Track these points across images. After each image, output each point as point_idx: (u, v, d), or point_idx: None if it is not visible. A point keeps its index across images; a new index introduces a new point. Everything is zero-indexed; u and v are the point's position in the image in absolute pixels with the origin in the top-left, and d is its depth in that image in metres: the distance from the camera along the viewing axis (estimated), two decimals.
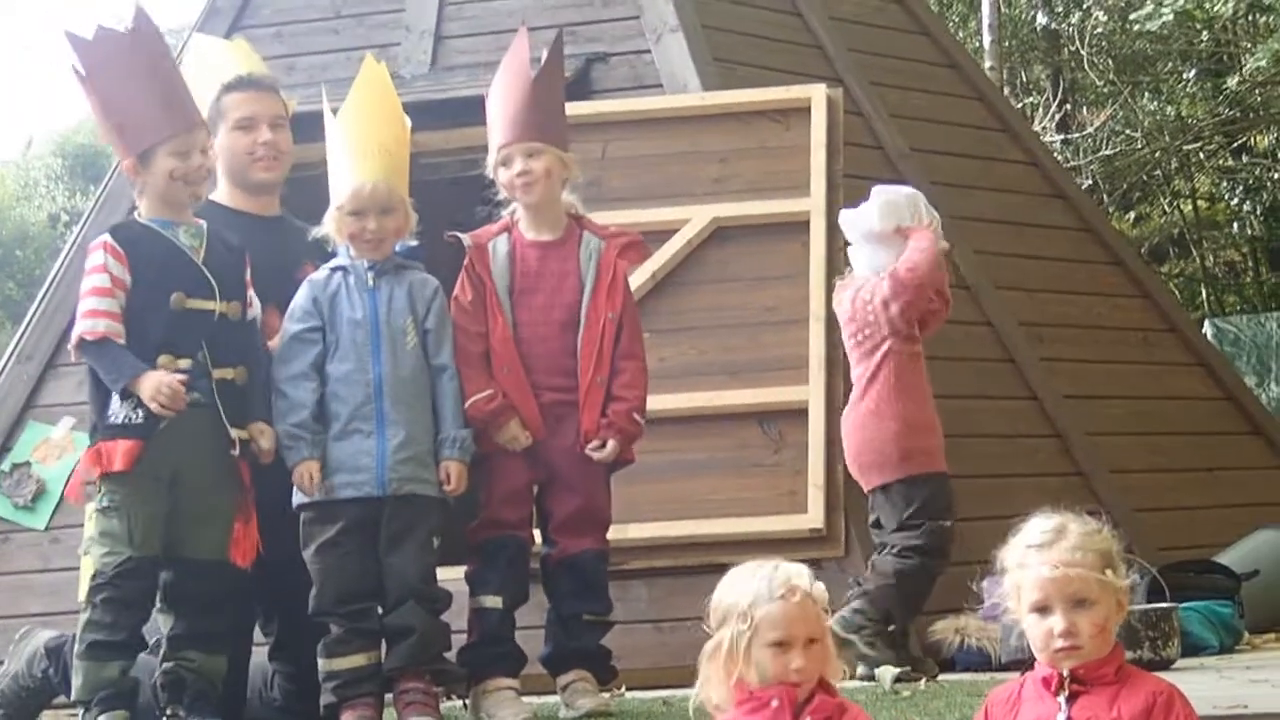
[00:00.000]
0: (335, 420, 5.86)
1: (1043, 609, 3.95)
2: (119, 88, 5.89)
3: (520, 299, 6.11)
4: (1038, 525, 4.00)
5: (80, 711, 5.69)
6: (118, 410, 5.65)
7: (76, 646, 5.71)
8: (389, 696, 5.92)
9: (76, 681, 5.69)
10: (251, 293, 5.94)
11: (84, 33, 5.92)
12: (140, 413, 5.61)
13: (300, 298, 5.97)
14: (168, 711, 5.62)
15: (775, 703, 4.09)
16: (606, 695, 6.13)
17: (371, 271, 5.97)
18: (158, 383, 5.56)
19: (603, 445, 6.07)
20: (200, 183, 5.88)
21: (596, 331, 6.14)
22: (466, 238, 6.17)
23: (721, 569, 7.39)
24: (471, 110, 6.95)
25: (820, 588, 4.17)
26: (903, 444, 7.07)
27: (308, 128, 6.55)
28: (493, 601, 6.05)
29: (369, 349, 5.91)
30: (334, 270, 6.01)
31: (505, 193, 6.22)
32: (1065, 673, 3.93)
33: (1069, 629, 3.91)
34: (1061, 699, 3.95)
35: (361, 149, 6.00)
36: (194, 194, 5.87)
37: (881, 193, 7.24)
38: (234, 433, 5.74)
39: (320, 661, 5.88)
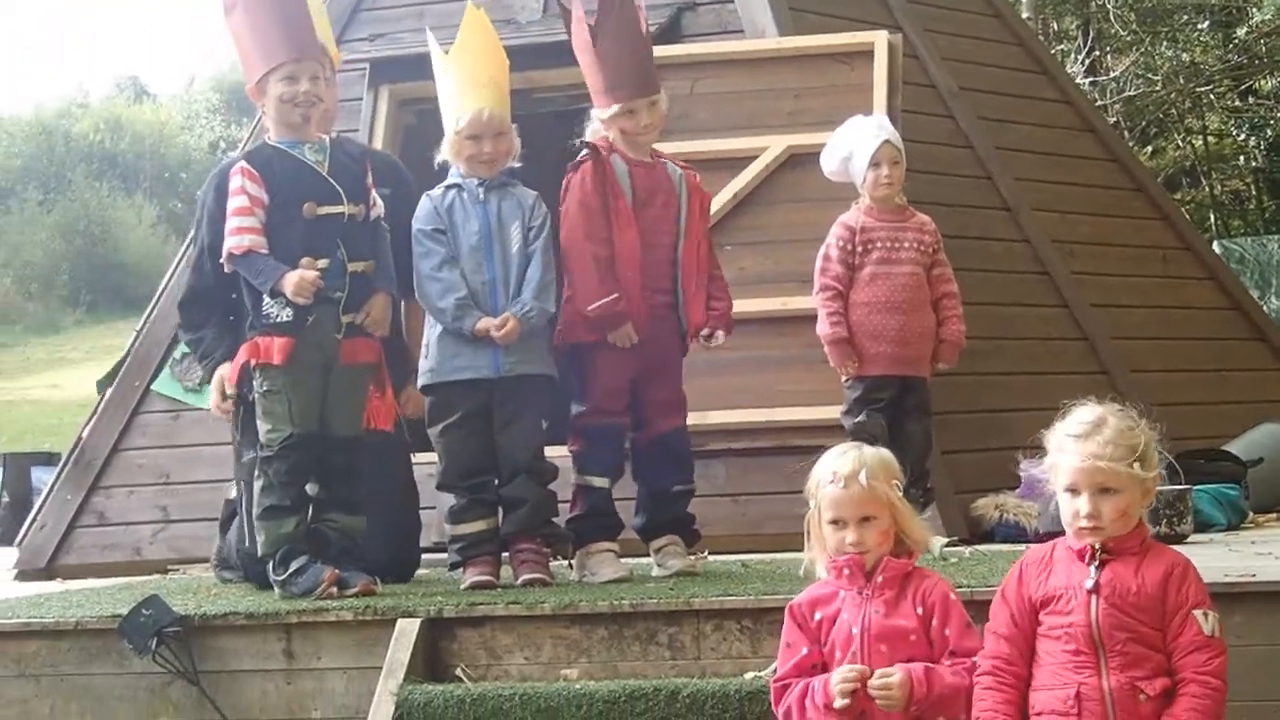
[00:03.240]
0: None
1: (1073, 490, 3.92)
2: (244, 21, 5.87)
3: (637, 212, 6.04)
4: (1080, 416, 3.95)
5: (270, 564, 5.75)
6: (270, 309, 5.68)
7: (255, 510, 5.77)
8: (505, 555, 5.98)
9: (260, 539, 5.78)
10: (374, 194, 5.93)
11: None
12: (289, 311, 5.64)
13: (424, 207, 5.99)
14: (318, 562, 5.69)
15: (847, 571, 4.11)
16: (692, 557, 6.12)
17: (482, 187, 5.96)
18: (298, 280, 5.61)
19: (711, 335, 6.10)
20: (310, 106, 5.82)
21: (694, 244, 6.13)
22: (597, 146, 6.05)
23: (790, 451, 7.50)
24: None
25: (882, 466, 4.15)
26: None
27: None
28: (601, 481, 6.05)
29: (483, 253, 5.91)
30: (448, 188, 6.00)
31: (621, 137, 6.06)
32: (1096, 545, 3.90)
33: (1092, 512, 3.88)
34: (1092, 567, 3.92)
35: (475, 82, 5.97)
36: (304, 115, 5.82)
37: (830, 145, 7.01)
38: (344, 318, 5.76)
39: (447, 526, 5.97)
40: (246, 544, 6.33)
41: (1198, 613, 3.88)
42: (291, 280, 5.61)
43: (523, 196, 6.00)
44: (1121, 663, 3.86)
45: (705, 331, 6.09)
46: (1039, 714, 3.91)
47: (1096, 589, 3.88)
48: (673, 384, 6.15)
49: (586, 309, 5.90)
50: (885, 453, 4.26)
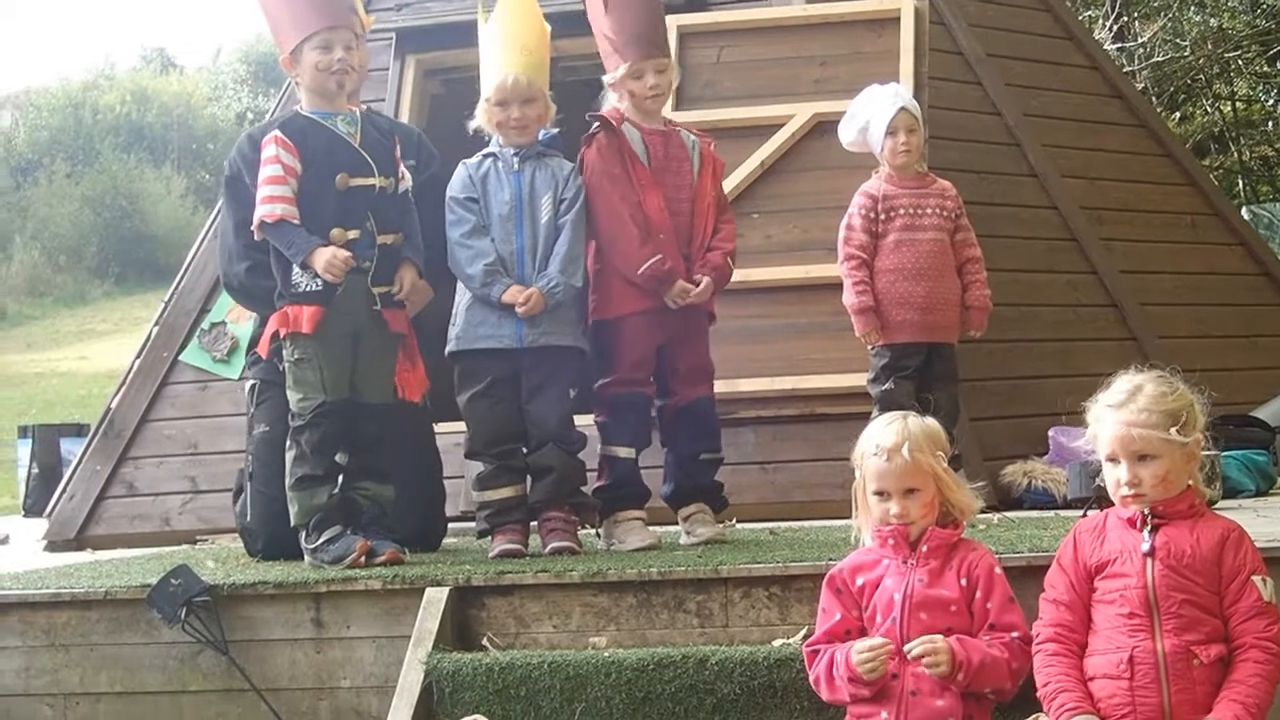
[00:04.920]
0: None
1: (1113, 459, 3.92)
2: None
3: (656, 178, 6.03)
4: (1117, 385, 3.95)
5: (302, 533, 5.75)
6: (300, 280, 5.68)
7: (287, 480, 5.77)
8: (534, 524, 5.97)
9: (293, 510, 5.77)
10: (403, 167, 5.92)
11: None
12: (319, 282, 5.64)
13: (458, 175, 5.98)
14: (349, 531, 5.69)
15: (891, 541, 4.13)
16: (721, 526, 6.11)
17: (517, 157, 5.94)
18: (329, 257, 5.60)
19: (699, 284, 5.98)
20: (344, 74, 5.80)
21: (704, 206, 6.10)
22: (609, 118, 6.07)
23: (819, 419, 7.47)
24: None
25: (927, 438, 4.16)
26: None
27: (468, 36, 6.48)
28: (625, 452, 6.04)
29: (513, 223, 5.89)
30: (485, 156, 6.00)
31: (629, 101, 6.07)
32: (1146, 511, 3.90)
33: (1132, 480, 3.88)
34: (1145, 532, 3.91)
35: (505, 48, 5.96)
36: (339, 83, 5.80)
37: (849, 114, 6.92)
38: (376, 290, 5.76)
39: (474, 493, 5.96)
40: (249, 519, 6.35)
41: (1256, 578, 3.88)
42: (323, 258, 5.61)
43: (558, 168, 5.97)
44: (1176, 626, 3.85)
45: (696, 278, 5.98)
46: (1091, 678, 3.92)
47: (1152, 552, 3.88)
48: (699, 351, 6.13)
49: (637, 273, 5.89)
50: (931, 423, 4.26)
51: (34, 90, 43.62)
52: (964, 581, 4.12)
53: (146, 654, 5.45)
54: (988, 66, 9.21)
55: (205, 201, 33.87)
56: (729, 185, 7.89)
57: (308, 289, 5.68)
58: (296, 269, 5.68)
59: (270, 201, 5.69)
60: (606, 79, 6.14)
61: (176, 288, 8.98)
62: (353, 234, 5.69)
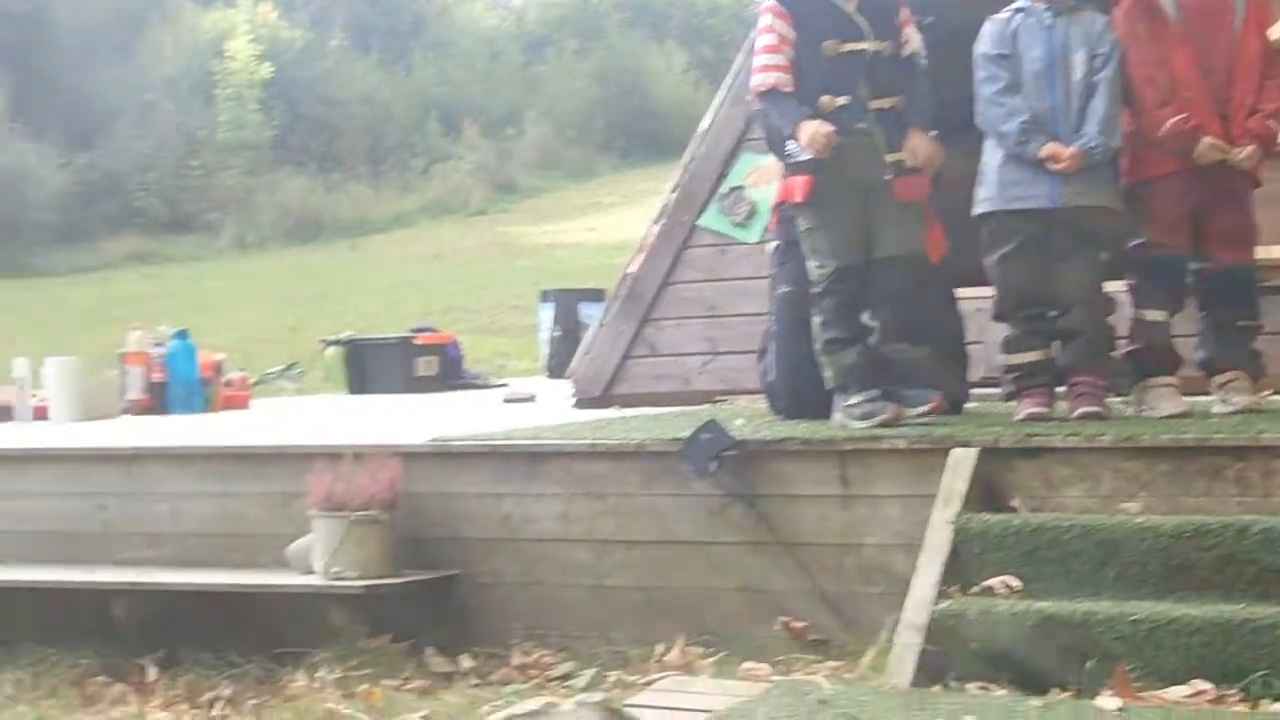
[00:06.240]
0: None
1: None
2: None
3: (1189, 33, 5.82)
4: None
5: (838, 395, 5.88)
6: (792, 148, 5.79)
7: (816, 345, 5.90)
8: (1060, 390, 5.91)
9: (826, 374, 5.91)
10: (909, 29, 5.89)
11: None
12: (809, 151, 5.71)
13: (987, 31, 5.92)
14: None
15: None
16: (1257, 395, 5.90)
17: (1049, 12, 5.82)
18: (812, 131, 5.66)
19: (1240, 149, 5.77)
20: None
21: (1246, 61, 5.85)
22: None
23: None
24: None
25: None
26: None
27: None
28: (1156, 315, 5.90)
29: (1046, 80, 5.81)
30: (1015, 11, 5.90)
31: None
32: None
33: None
34: None
35: None
36: None
37: None
38: (889, 157, 5.78)
39: (1000, 356, 5.95)
40: (772, 377, 6.48)
41: None
42: (806, 131, 5.70)
43: (1091, 23, 5.84)
44: None
45: (1236, 149, 5.76)
46: None
47: None
48: (1238, 213, 5.91)
49: (1159, 134, 5.75)
50: None
51: None
52: None
53: (677, 505, 5.67)
54: None
55: (708, 76, 34.37)
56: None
57: (800, 158, 5.77)
58: (790, 140, 5.78)
59: (764, 70, 5.82)
60: None
61: (694, 155, 9.16)
62: (841, 100, 5.74)
